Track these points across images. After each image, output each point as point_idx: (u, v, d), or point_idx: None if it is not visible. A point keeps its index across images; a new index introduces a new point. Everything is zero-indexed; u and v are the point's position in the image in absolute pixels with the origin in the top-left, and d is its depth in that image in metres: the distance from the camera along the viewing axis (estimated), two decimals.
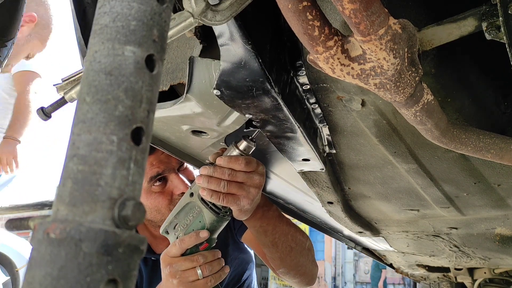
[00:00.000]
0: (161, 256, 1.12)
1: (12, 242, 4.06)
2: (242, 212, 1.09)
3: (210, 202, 1.08)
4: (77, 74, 0.87)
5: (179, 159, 1.29)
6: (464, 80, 0.79)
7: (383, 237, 1.78)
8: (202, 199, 1.09)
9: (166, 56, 0.87)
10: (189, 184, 1.32)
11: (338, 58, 0.54)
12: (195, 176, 1.38)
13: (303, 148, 0.94)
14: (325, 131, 0.95)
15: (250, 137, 1.02)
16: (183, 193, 1.30)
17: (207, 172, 1.04)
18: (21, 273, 3.88)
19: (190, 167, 1.37)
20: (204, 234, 1.08)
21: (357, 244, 2.29)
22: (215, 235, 1.12)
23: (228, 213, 1.10)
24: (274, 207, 1.24)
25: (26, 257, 3.95)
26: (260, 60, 0.67)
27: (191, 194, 1.11)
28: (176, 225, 1.12)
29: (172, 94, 0.92)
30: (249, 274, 1.54)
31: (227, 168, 1.02)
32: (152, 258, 1.42)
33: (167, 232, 1.14)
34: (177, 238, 1.11)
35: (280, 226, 1.23)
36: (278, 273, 1.36)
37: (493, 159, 0.70)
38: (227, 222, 1.13)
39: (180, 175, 1.33)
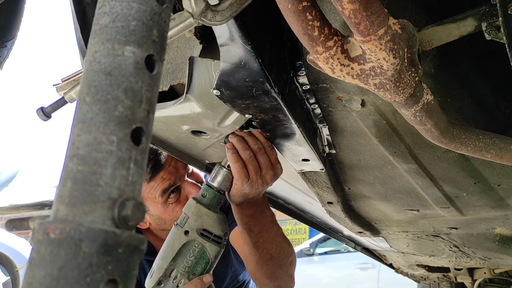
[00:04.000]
0: None
1: (12, 242, 4.06)
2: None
3: (211, 234, 1.02)
4: (77, 74, 0.87)
5: (184, 165, 1.31)
6: (464, 80, 0.79)
7: (383, 237, 1.78)
8: (201, 234, 1.01)
9: (166, 56, 0.87)
10: (200, 186, 1.32)
11: (338, 58, 0.54)
12: (202, 178, 1.38)
13: (303, 148, 0.94)
14: (325, 131, 0.95)
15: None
16: None
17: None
18: (21, 273, 3.88)
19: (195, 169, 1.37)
20: (209, 279, 1.02)
21: (357, 244, 2.29)
22: (215, 265, 1.06)
23: (226, 238, 1.06)
24: (269, 212, 1.21)
25: (26, 257, 3.95)
26: (260, 60, 0.67)
27: (186, 232, 1.01)
28: (172, 271, 1.00)
29: (172, 94, 0.92)
30: (247, 274, 1.55)
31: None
32: None
33: (159, 284, 1.00)
34: (177, 286, 1.00)
35: (268, 232, 1.20)
36: (253, 279, 1.34)
37: (493, 159, 0.70)
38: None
39: (190, 180, 1.34)
